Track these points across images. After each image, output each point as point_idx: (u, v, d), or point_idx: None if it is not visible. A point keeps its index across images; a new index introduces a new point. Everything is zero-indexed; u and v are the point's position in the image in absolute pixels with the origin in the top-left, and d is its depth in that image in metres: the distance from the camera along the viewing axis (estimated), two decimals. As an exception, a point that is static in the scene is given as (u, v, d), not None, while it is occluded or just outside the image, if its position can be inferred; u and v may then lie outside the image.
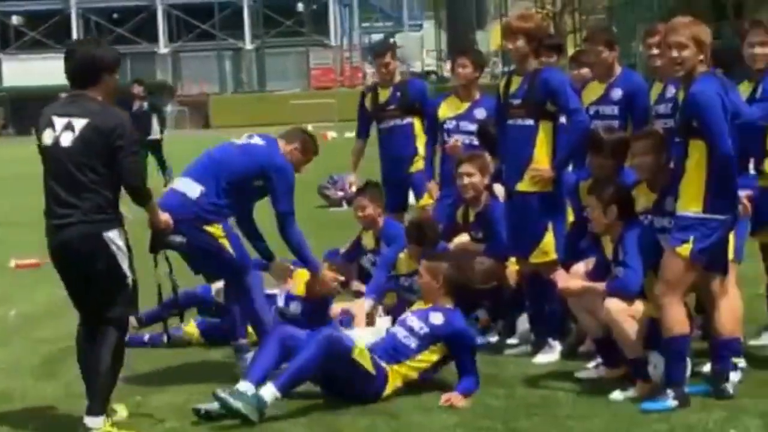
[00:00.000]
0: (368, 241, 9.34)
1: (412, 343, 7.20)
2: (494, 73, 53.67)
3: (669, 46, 6.63)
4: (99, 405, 6.44)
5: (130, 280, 6.56)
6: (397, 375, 7.13)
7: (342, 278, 8.38)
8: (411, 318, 7.40)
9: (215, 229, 7.56)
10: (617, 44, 8.64)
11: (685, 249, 6.45)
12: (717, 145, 6.41)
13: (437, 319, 7.27)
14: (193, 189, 7.60)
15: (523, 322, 8.33)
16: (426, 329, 7.22)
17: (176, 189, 7.70)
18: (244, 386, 6.75)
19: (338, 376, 6.94)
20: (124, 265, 6.52)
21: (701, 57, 6.54)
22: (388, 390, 7.08)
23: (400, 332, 7.33)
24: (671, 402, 6.59)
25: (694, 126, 6.49)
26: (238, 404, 6.54)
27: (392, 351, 7.19)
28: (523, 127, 7.83)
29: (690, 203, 6.50)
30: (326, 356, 6.76)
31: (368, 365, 6.97)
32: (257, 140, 7.90)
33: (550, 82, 7.78)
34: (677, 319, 6.62)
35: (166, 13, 66.31)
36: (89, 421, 6.39)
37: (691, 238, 6.43)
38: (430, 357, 7.21)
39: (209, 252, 7.61)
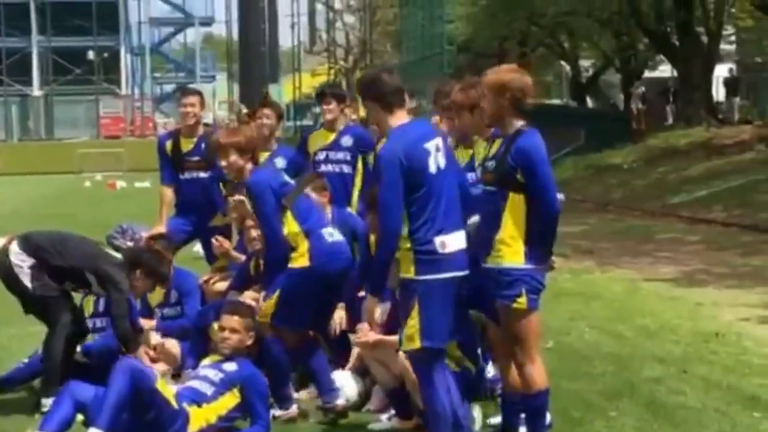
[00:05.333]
0: (154, 296, 9.09)
1: (209, 390, 7.15)
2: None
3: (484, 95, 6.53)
4: None
5: None
6: (198, 417, 7.03)
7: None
8: (205, 369, 7.38)
9: None
10: (414, 98, 8.79)
11: (522, 303, 6.32)
12: (548, 199, 6.27)
13: (231, 366, 7.27)
14: None
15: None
16: (221, 375, 7.21)
17: None
18: None
19: (141, 410, 6.75)
20: None
21: (512, 108, 6.38)
22: (191, 430, 6.96)
23: (194, 383, 7.26)
24: None
25: (518, 179, 6.32)
26: None
27: (191, 399, 7.10)
28: None
29: (509, 257, 6.33)
30: (132, 383, 6.64)
31: (171, 398, 6.90)
32: None
33: (250, 188, 7.72)
34: (538, 374, 6.47)
35: (-50, 57, 64.30)
36: None
37: (523, 290, 6.30)
38: (227, 402, 7.14)
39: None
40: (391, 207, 6.22)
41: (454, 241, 6.33)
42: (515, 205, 6.33)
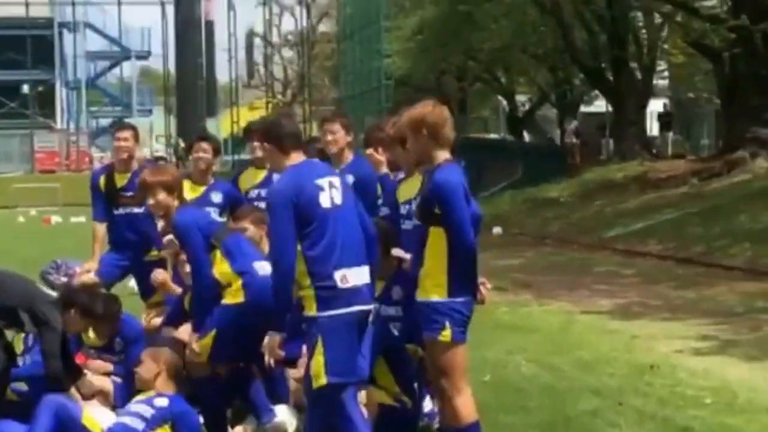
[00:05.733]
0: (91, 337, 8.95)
1: (140, 425, 7.09)
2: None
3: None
4: None
5: None
6: None
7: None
8: (136, 405, 7.33)
9: None
10: (352, 131, 8.81)
11: (446, 335, 6.34)
12: (460, 234, 6.32)
13: (162, 402, 7.24)
14: None
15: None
16: (152, 411, 7.16)
17: None
18: None
19: None
20: None
21: (433, 142, 6.48)
22: None
23: (125, 419, 7.19)
24: None
25: (435, 213, 6.38)
26: None
27: None
28: None
29: (433, 291, 6.38)
30: (57, 420, 6.57)
31: None
32: None
33: (177, 227, 7.67)
34: (465, 407, 6.47)
35: None
36: None
37: (447, 323, 6.33)
38: None
39: None
40: (284, 241, 6.34)
41: (355, 276, 6.39)
42: (436, 239, 6.39)
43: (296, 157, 6.61)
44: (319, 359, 6.30)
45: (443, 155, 6.48)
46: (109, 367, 8.59)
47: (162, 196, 7.63)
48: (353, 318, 6.35)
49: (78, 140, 64.48)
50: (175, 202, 7.69)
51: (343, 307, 6.30)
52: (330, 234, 6.36)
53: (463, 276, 6.38)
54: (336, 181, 6.57)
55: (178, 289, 8.89)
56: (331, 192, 6.46)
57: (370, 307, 6.48)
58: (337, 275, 6.31)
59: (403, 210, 7.42)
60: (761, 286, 15.90)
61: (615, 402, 8.73)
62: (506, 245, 23.55)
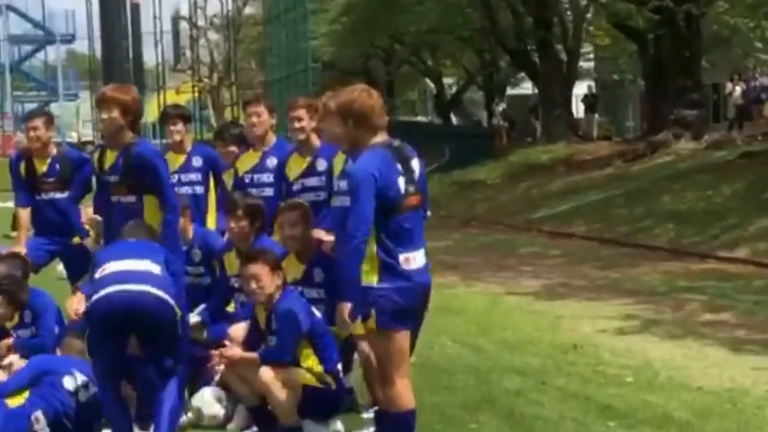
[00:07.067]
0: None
1: None
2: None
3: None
4: None
5: None
6: None
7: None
8: None
9: None
10: (275, 113, 8.80)
11: (371, 322, 6.17)
12: (360, 220, 6.03)
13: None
14: None
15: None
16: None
17: None
18: None
19: None
20: None
21: (363, 130, 6.20)
22: None
23: None
24: None
25: None
26: None
27: None
28: (128, 204, 7.66)
29: (367, 276, 6.12)
30: None
31: None
32: None
33: (144, 156, 7.61)
34: (397, 397, 6.33)
35: None
36: None
37: (372, 310, 6.13)
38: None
39: None
40: None
41: (116, 265, 6.68)
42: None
43: None
44: None
45: (375, 139, 6.22)
46: (8, 341, 8.50)
47: (116, 113, 7.53)
48: (109, 301, 6.49)
49: (3, 124, 63.71)
50: (129, 133, 7.60)
51: (95, 293, 6.60)
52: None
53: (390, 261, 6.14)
54: None
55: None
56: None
57: (133, 287, 6.53)
58: (98, 270, 6.72)
59: (335, 186, 7.34)
60: (683, 266, 16.17)
61: (538, 381, 8.83)
62: (434, 227, 23.54)
